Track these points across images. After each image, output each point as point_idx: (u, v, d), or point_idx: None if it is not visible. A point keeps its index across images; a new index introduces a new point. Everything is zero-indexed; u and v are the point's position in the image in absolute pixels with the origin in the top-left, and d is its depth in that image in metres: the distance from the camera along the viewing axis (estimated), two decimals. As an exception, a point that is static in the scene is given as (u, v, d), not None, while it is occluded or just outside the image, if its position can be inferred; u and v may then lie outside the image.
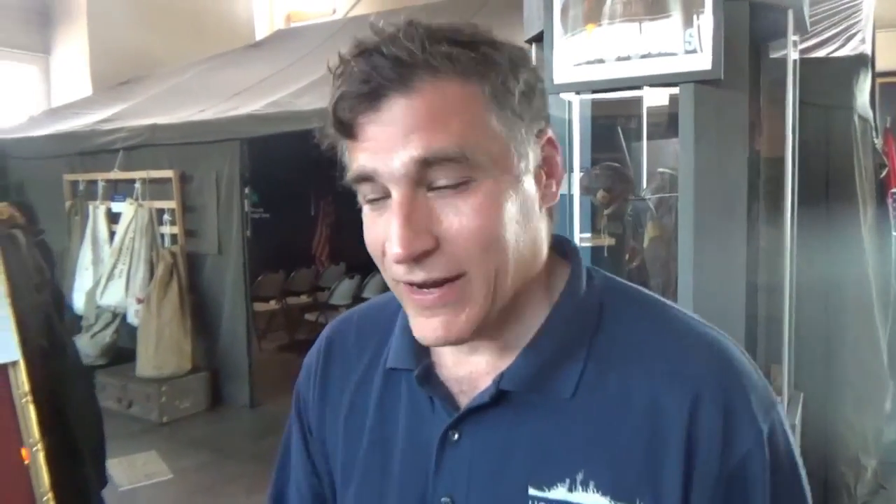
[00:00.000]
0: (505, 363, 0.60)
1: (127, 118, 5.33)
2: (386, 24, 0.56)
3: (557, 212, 0.64)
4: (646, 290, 0.65)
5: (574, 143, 2.18)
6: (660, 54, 1.90)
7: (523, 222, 0.57)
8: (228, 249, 4.68)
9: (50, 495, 0.99)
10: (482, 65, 0.54)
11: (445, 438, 0.61)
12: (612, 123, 2.76)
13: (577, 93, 2.07)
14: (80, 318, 4.95)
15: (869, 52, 2.88)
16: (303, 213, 7.76)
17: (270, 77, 5.57)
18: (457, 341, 0.57)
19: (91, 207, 5.07)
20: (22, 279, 1.49)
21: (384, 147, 0.53)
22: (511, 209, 0.55)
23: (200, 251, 4.80)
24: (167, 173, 4.75)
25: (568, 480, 0.57)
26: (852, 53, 2.72)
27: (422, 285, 0.55)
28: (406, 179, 0.53)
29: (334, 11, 8.88)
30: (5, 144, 5.47)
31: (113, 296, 4.78)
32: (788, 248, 2.18)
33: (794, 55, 2.10)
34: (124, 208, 4.86)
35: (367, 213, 0.58)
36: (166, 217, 4.80)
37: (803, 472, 0.60)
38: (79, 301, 4.96)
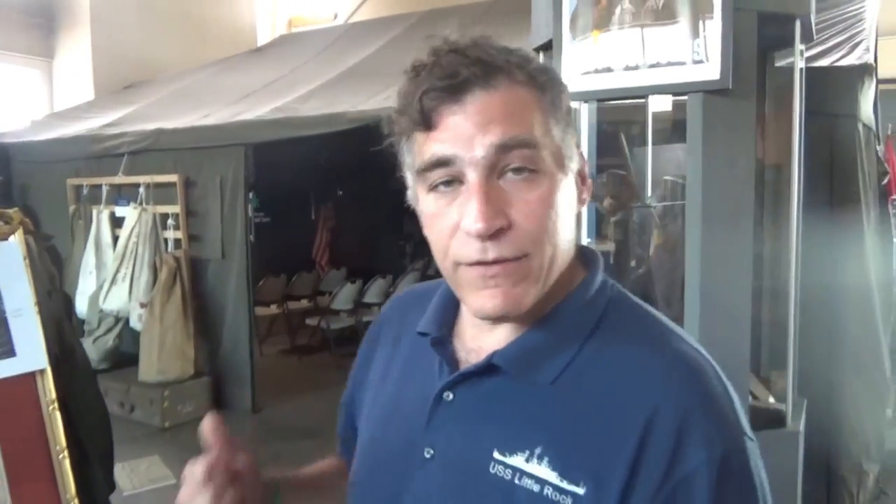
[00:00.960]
0: (508, 340, 0.68)
1: (131, 123, 5.35)
2: (460, 36, 0.65)
3: (588, 205, 0.72)
4: (653, 310, 0.71)
5: (584, 150, 2.20)
6: (668, 63, 1.92)
7: (568, 217, 0.66)
8: (232, 254, 4.69)
9: (76, 501, 1.00)
10: (545, 78, 0.65)
11: (441, 397, 0.69)
12: (614, 130, 2.78)
13: (586, 101, 2.08)
14: (83, 322, 4.95)
15: (873, 60, 2.90)
16: (303, 218, 7.78)
17: (273, 82, 5.59)
18: (514, 312, 0.64)
19: (95, 212, 5.08)
20: (36, 286, 1.50)
21: (464, 135, 0.61)
22: (563, 203, 0.64)
23: (204, 256, 4.81)
24: (171, 178, 4.76)
25: (527, 451, 0.63)
26: (857, 62, 2.74)
27: (492, 262, 0.62)
28: (485, 162, 0.61)
29: (336, 17, 8.91)
30: (9, 148, 5.48)
31: (116, 300, 4.79)
32: (794, 255, 2.19)
33: (800, 64, 2.12)
34: (128, 213, 4.87)
35: (434, 201, 0.65)
36: (170, 222, 4.81)
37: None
38: (82, 305, 4.96)
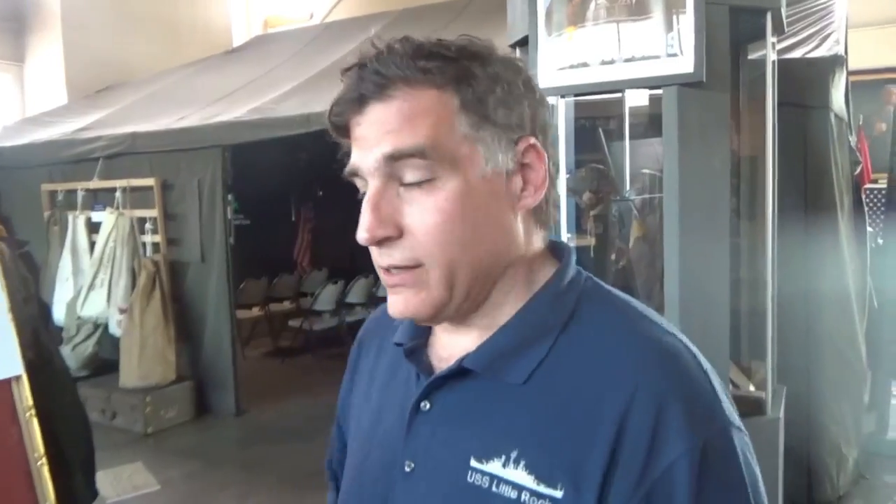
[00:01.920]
0: (478, 344, 0.66)
1: (105, 126, 5.27)
2: (384, 40, 0.63)
3: (553, 213, 0.69)
4: (628, 298, 0.68)
5: (560, 145, 2.21)
6: (643, 58, 1.93)
7: (486, 221, 0.63)
8: (211, 257, 4.64)
9: (55, 508, 0.99)
10: (457, 76, 0.61)
11: (418, 407, 0.67)
12: (592, 124, 2.79)
13: (562, 96, 2.09)
14: (61, 329, 4.88)
15: (843, 52, 2.95)
16: (284, 220, 7.72)
17: (250, 83, 5.54)
18: (416, 317, 0.65)
19: (71, 217, 5.01)
20: (11, 292, 1.48)
21: (365, 146, 0.62)
22: (472, 208, 0.62)
23: (183, 259, 4.76)
24: (148, 181, 4.70)
25: (504, 457, 0.61)
26: (828, 54, 2.78)
27: (387, 269, 0.63)
28: (378, 173, 0.62)
29: (312, 16, 8.86)
30: (-20, 155, 5.38)
31: (94, 306, 4.72)
32: (770, 245, 2.22)
33: (772, 56, 2.15)
34: (105, 217, 4.80)
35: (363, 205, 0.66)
36: (148, 226, 4.75)
37: (751, 495, 0.58)
38: (59, 312, 4.88)
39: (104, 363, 4.86)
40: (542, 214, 0.67)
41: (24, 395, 1.00)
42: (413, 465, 0.67)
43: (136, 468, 3.88)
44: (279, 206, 7.54)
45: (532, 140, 0.64)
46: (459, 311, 0.65)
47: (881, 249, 3.95)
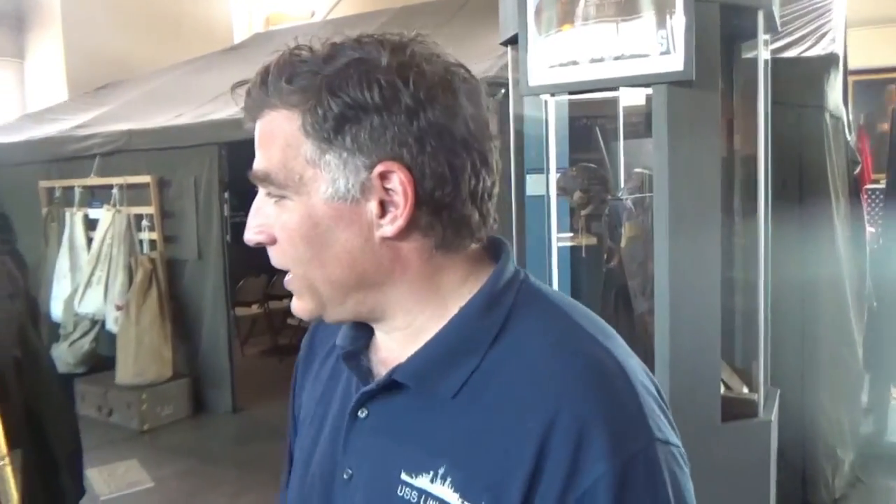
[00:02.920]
0: (412, 351, 0.65)
1: (103, 123, 5.27)
2: (284, 46, 0.64)
3: (477, 224, 0.64)
4: (566, 303, 0.66)
5: (550, 143, 2.19)
6: (633, 56, 1.91)
7: (331, 244, 0.62)
8: (208, 254, 4.64)
9: (18, 508, 0.98)
10: (306, 99, 0.60)
11: (356, 414, 0.67)
12: (590, 124, 2.78)
13: (553, 94, 2.08)
14: (58, 326, 4.89)
15: (840, 51, 2.92)
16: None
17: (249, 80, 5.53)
18: (307, 318, 0.67)
19: (68, 214, 5.01)
20: (-7, 289, 1.46)
21: None
22: (313, 230, 0.62)
23: (180, 257, 4.76)
24: (145, 179, 4.70)
25: (432, 472, 0.60)
26: (823, 53, 2.76)
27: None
28: (259, 186, 0.65)
29: (313, 14, 8.84)
30: (-21, 151, 5.38)
31: (91, 303, 4.73)
32: (763, 245, 2.20)
33: (765, 55, 2.13)
34: (102, 214, 4.80)
35: None
36: (145, 223, 4.75)
37: None
38: (57, 309, 4.89)
39: (101, 360, 4.86)
40: (447, 234, 0.62)
41: (-12, 394, 0.99)
42: (351, 472, 0.66)
43: (130, 465, 3.88)
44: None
45: (393, 165, 0.59)
46: (350, 317, 0.66)
47: (881, 250, 3.92)
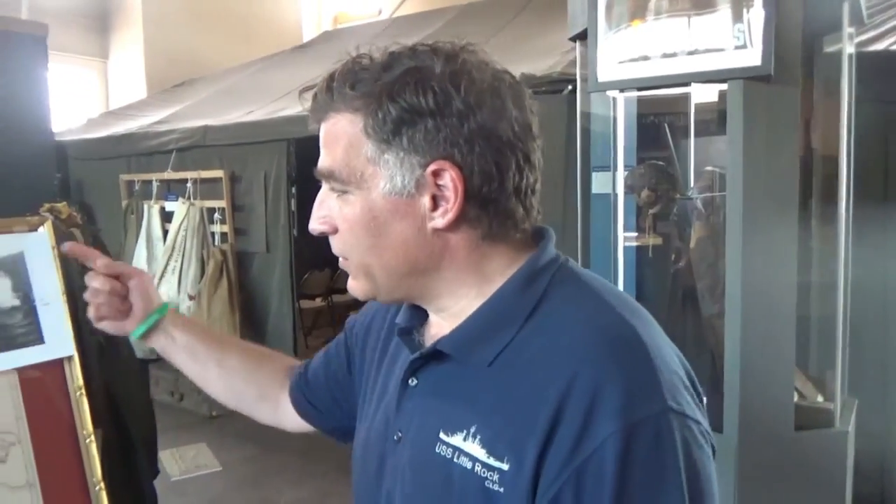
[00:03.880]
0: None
1: (180, 120, 5.49)
2: (350, 50, 0.72)
3: (520, 217, 0.70)
4: (601, 284, 0.72)
5: (618, 140, 2.15)
6: (707, 50, 1.86)
7: (388, 235, 0.69)
8: (276, 248, 4.77)
9: (102, 484, 1.03)
10: (368, 103, 0.66)
11: (407, 382, 0.75)
12: (659, 121, 2.71)
13: (622, 90, 2.04)
14: (135, 313, 5.11)
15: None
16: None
17: (317, 78, 5.63)
18: (361, 297, 0.75)
19: (146, 206, 5.24)
20: (79, 277, 1.55)
21: None
22: (373, 222, 0.69)
23: (249, 249, 4.90)
24: (217, 173, 4.86)
25: (465, 431, 0.67)
26: (913, 46, 2.60)
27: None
28: (322, 181, 0.72)
29: (380, 12, 8.95)
30: (66, 146, 5.69)
31: (166, 292, 4.93)
32: (843, 247, 2.11)
33: (849, 49, 2.03)
34: (177, 207, 5.00)
35: None
36: (216, 216, 4.92)
37: (684, 483, 0.59)
38: (134, 297, 5.12)
39: (174, 347, 5.05)
40: (493, 225, 0.69)
41: (76, 374, 1.06)
42: (401, 434, 0.74)
43: (200, 448, 4.03)
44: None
45: (445, 164, 0.65)
46: (402, 298, 0.75)
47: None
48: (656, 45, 1.91)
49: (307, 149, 5.29)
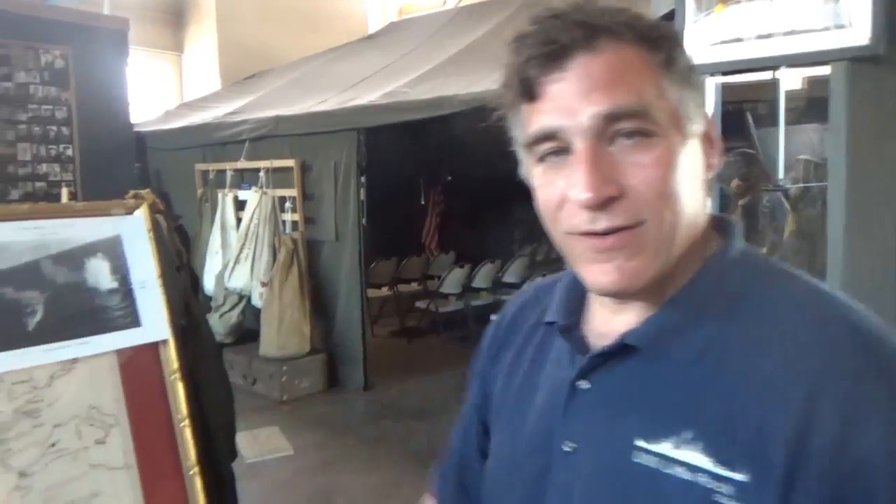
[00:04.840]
0: (639, 319, 0.64)
1: (252, 111, 5.61)
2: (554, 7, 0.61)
3: (714, 186, 0.65)
4: (806, 277, 0.63)
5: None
6: (805, 31, 1.74)
7: (691, 182, 0.60)
8: (345, 236, 4.83)
9: (196, 469, 1.04)
10: (656, 35, 0.60)
11: (575, 386, 0.66)
12: (738, 109, 2.58)
13: (711, 74, 1.94)
14: (210, 298, 5.29)
15: None
16: (413, 202, 7.88)
17: (384, 68, 5.67)
18: (629, 288, 0.60)
19: (220, 195, 5.39)
20: (165, 262, 1.58)
21: (569, 104, 0.58)
22: (683, 166, 0.59)
23: (319, 238, 4.98)
24: (288, 163, 4.95)
25: (674, 437, 0.58)
26: None
27: (604, 233, 0.59)
28: (592, 132, 0.58)
29: (445, 2, 8.92)
30: (144, 136, 5.91)
31: (239, 279, 5.07)
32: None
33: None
34: (250, 196, 5.12)
35: (542, 172, 0.62)
36: (288, 205, 5.02)
37: None
38: (209, 283, 5.29)
39: (247, 332, 5.21)
40: (712, 186, 0.65)
41: (171, 358, 1.07)
42: (575, 445, 0.65)
43: (272, 432, 4.13)
44: (409, 188, 7.71)
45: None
46: (655, 280, 0.61)
47: None
48: (750, 25, 1.81)
49: (373, 138, 5.37)
